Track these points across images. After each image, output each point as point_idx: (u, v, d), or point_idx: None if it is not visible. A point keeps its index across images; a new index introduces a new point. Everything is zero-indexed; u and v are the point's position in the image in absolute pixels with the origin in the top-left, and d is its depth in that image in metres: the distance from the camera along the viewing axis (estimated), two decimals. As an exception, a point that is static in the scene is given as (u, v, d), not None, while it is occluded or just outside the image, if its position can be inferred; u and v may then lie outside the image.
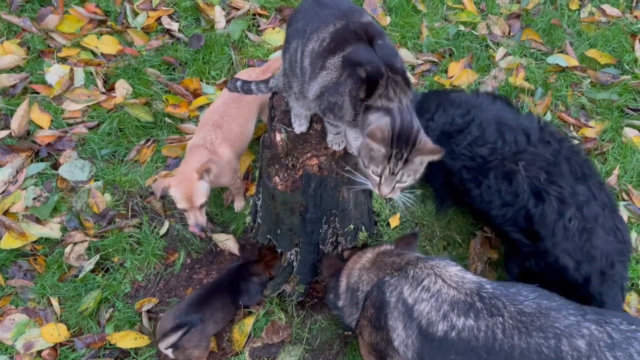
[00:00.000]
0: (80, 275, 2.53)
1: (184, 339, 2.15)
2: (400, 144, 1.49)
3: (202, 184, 2.27)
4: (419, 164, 1.56)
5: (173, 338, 2.14)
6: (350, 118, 1.61)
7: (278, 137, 1.97)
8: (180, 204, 2.29)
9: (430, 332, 1.70)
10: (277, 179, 2.04)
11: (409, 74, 1.76)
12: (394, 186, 1.59)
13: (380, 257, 2.02)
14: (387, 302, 1.82)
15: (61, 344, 2.40)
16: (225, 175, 2.50)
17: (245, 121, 2.63)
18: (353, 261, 2.14)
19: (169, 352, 2.19)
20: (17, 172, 2.82)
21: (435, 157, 1.53)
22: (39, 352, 2.38)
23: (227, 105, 2.57)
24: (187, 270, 2.64)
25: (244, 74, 2.76)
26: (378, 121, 1.51)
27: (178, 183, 2.27)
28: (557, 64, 3.51)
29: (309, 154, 1.97)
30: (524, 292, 1.70)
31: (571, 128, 3.24)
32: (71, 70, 3.15)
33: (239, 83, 2.08)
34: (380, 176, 1.58)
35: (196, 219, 2.31)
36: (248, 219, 2.57)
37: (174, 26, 3.47)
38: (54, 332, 2.39)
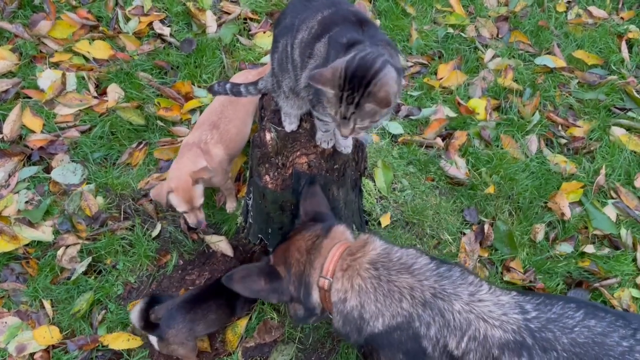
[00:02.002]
0: (73, 278, 2.53)
1: (170, 333, 2.14)
2: (353, 85, 1.36)
3: (198, 187, 2.36)
4: (373, 112, 1.42)
5: (141, 304, 2.13)
6: None
7: (268, 136, 1.99)
8: (181, 208, 2.39)
9: None
10: (267, 177, 2.06)
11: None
12: (353, 127, 1.46)
13: (379, 269, 1.65)
14: (429, 354, 1.59)
15: (54, 347, 2.39)
16: (216, 176, 2.53)
17: (242, 123, 2.66)
18: (308, 256, 1.73)
19: (155, 343, 2.19)
20: (10, 176, 2.83)
21: (385, 109, 1.40)
22: (32, 355, 2.37)
23: (224, 107, 2.60)
24: (180, 272, 2.64)
25: (240, 76, 2.78)
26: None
27: (176, 189, 2.34)
28: (545, 65, 3.55)
29: (298, 153, 1.99)
30: (569, 311, 1.57)
31: (560, 128, 3.28)
32: (63, 75, 3.17)
33: (228, 86, 2.11)
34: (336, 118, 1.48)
35: (197, 217, 2.43)
36: (240, 220, 2.59)
37: (166, 31, 3.49)
38: (47, 335, 2.39)
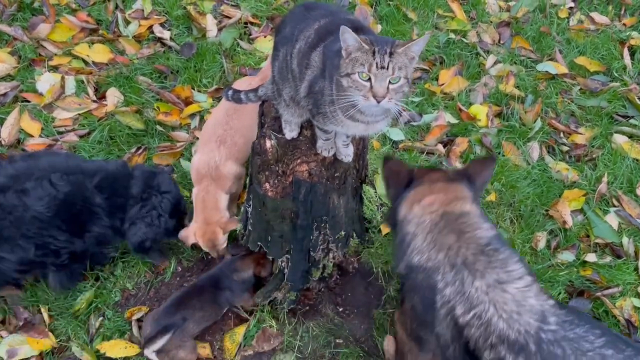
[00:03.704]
0: (70, 284, 2.52)
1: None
2: (379, 43, 1.45)
3: (224, 237, 2.47)
4: (406, 58, 1.47)
5: (159, 343, 2.13)
6: (330, 97, 1.56)
7: (268, 143, 1.98)
8: (205, 249, 2.51)
9: (476, 355, 1.62)
10: (267, 185, 2.04)
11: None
12: (388, 87, 1.46)
13: (445, 221, 1.77)
14: (437, 311, 1.70)
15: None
16: (233, 187, 2.58)
17: (249, 130, 2.60)
18: (420, 193, 1.87)
19: (154, 357, 2.18)
20: (7, 180, 2.80)
21: (420, 45, 1.47)
22: (25, 361, 2.35)
23: (229, 117, 2.55)
24: (178, 279, 2.62)
25: (245, 82, 2.75)
26: None
27: (202, 235, 2.43)
28: (546, 72, 3.54)
29: (298, 160, 1.98)
30: (592, 335, 1.55)
31: (561, 135, 3.27)
32: (62, 78, 3.16)
33: (230, 92, 2.09)
34: (370, 78, 1.46)
35: (218, 255, 2.56)
36: (239, 226, 2.56)
37: (166, 34, 3.48)
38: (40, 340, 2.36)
